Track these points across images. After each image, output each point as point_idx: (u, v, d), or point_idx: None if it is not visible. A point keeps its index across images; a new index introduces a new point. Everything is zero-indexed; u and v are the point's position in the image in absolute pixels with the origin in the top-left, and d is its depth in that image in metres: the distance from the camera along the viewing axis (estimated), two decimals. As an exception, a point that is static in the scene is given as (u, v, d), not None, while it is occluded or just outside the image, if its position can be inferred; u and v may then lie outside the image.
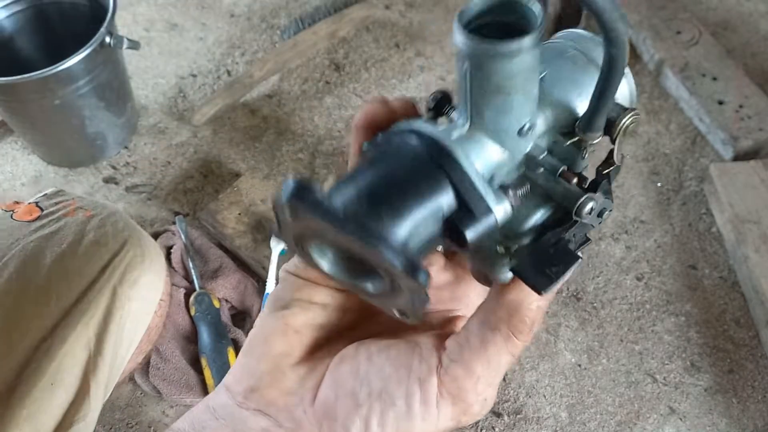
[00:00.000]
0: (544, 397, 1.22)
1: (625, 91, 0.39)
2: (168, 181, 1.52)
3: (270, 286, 1.27)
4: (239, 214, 1.36)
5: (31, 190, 1.50)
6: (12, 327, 0.77)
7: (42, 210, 0.86)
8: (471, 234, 0.33)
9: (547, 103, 0.37)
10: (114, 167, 1.55)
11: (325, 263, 0.36)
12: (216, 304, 1.23)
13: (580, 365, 1.26)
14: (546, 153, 0.37)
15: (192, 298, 1.24)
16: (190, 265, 1.27)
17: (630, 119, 0.36)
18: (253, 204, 1.38)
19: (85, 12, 1.45)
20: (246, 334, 1.24)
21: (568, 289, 1.35)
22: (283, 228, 0.36)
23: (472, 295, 0.44)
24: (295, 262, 0.42)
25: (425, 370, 0.36)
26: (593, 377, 1.24)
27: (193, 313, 1.23)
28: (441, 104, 0.38)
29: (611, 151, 0.37)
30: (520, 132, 0.36)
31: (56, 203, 0.88)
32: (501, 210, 0.34)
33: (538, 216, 0.37)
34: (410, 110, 0.38)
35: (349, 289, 0.37)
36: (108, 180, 1.53)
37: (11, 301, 0.78)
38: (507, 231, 0.37)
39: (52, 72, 1.27)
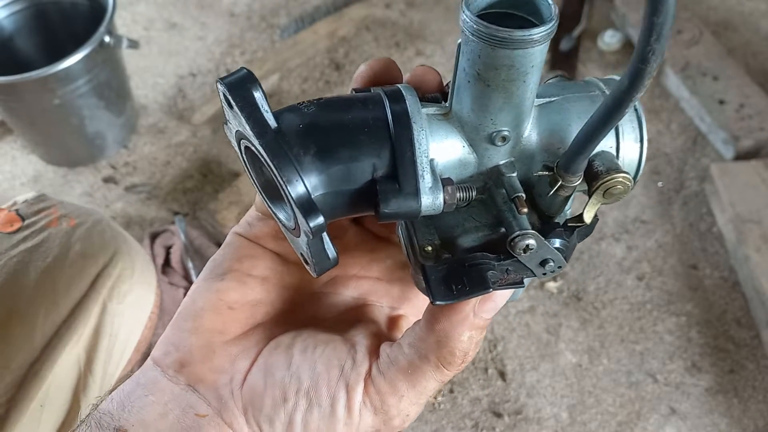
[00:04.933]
0: (545, 397, 1.22)
1: (633, 156, 0.36)
2: (167, 180, 1.52)
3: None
4: (239, 213, 1.36)
5: (30, 190, 1.50)
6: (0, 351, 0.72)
7: (23, 219, 0.81)
8: (386, 208, 0.31)
9: (542, 127, 0.35)
10: (113, 167, 1.54)
11: (253, 171, 0.34)
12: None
13: (580, 365, 1.25)
14: (515, 175, 0.34)
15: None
16: (190, 264, 1.27)
17: (616, 180, 0.33)
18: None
19: (84, 11, 1.45)
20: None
21: (569, 289, 1.34)
22: (228, 119, 0.33)
23: (421, 298, 0.43)
24: (243, 224, 0.41)
25: (354, 376, 0.36)
26: (594, 377, 1.24)
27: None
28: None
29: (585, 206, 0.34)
30: (492, 138, 0.33)
31: (38, 211, 0.83)
32: (430, 199, 0.32)
33: (482, 234, 0.35)
34: (422, 78, 0.36)
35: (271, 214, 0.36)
36: (107, 180, 1.52)
37: None
38: (444, 235, 0.35)
39: (52, 71, 1.27)
